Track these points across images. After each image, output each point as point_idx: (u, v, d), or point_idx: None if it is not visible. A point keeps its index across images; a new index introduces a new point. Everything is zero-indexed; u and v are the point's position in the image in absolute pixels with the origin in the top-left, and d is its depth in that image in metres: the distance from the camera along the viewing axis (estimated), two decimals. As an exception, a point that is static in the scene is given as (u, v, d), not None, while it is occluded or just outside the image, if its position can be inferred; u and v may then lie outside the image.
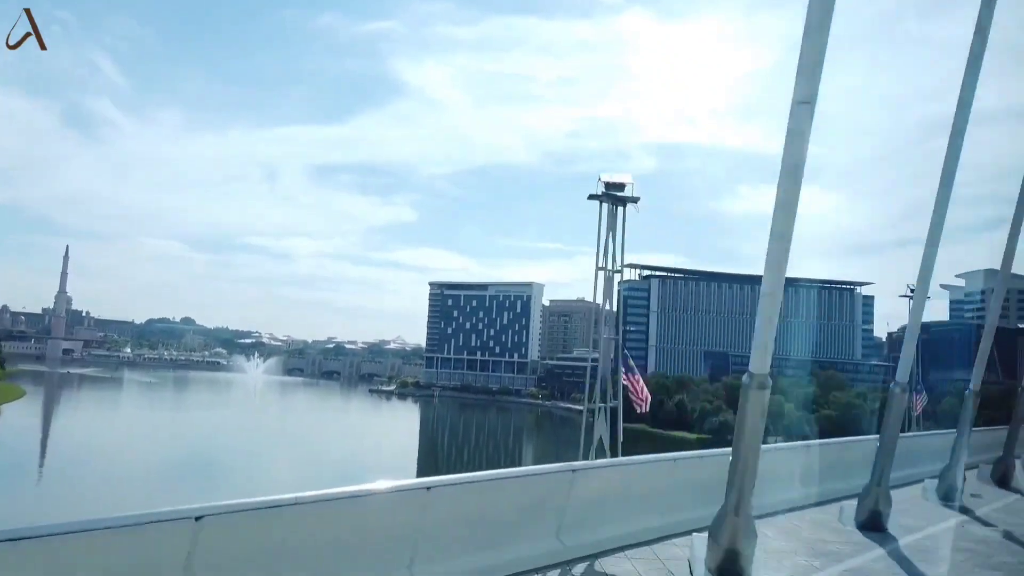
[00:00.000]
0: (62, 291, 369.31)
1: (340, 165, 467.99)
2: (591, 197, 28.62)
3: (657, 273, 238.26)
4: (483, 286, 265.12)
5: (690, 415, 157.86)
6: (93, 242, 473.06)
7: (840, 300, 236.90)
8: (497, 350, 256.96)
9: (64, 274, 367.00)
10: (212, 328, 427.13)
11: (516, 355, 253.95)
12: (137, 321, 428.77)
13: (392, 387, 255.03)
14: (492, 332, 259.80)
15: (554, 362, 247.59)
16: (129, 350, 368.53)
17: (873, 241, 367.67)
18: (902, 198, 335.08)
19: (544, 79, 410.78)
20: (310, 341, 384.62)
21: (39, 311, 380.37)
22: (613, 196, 28.57)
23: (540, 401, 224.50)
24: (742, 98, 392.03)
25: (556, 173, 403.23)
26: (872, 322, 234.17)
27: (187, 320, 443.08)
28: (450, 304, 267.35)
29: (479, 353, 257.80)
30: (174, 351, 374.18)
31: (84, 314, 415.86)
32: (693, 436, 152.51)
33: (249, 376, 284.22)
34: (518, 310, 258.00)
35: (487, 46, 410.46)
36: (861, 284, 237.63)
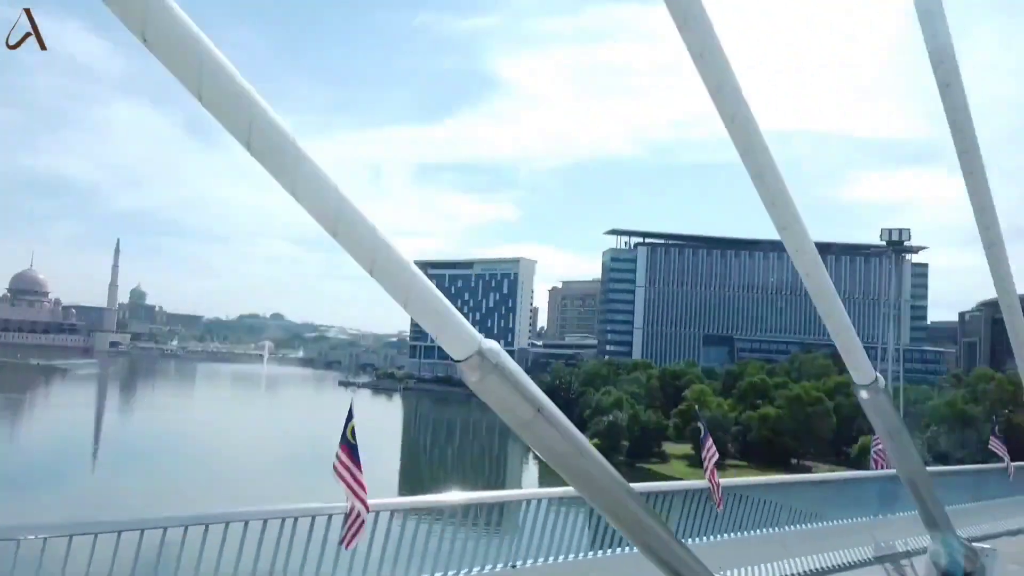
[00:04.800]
0: (113, 284, 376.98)
1: (441, 164, 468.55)
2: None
3: (649, 241, 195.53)
4: (468, 264, 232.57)
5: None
6: (213, 243, 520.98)
7: (879, 270, 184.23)
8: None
9: (115, 267, 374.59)
10: (299, 323, 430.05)
11: (503, 342, 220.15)
12: (226, 317, 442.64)
13: (364, 379, 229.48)
14: (478, 316, 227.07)
15: (542, 350, 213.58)
16: (175, 343, 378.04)
17: (1012, 227, 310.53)
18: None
19: (644, 68, 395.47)
20: (380, 335, 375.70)
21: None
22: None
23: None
24: (856, 83, 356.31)
25: (662, 164, 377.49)
26: (926, 297, 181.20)
27: (276, 316, 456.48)
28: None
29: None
30: (218, 344, 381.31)
31: (157, 308, 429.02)
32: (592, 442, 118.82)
33: (254, 368, 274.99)
34: (504, 291, 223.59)
35: (584, 37, 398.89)
36: (915, 250, 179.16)
